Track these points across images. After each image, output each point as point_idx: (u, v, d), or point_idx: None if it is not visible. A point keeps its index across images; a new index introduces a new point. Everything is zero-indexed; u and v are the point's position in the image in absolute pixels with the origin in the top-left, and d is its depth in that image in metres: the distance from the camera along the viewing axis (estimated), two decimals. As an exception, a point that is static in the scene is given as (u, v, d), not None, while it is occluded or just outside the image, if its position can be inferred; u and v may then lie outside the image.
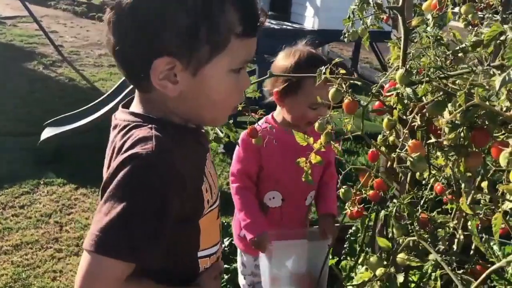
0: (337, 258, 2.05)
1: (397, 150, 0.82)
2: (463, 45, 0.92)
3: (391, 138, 1.12)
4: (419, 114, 0.81)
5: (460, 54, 0.88)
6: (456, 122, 0.73)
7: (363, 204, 1.26)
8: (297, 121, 1.83)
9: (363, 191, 1.23)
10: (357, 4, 1.49)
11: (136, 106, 0.96)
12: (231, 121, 1.46)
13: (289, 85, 1.78)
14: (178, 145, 0.88)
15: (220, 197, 1.05)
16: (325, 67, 1.03)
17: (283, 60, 1.87)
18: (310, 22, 4.97)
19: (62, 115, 4.47)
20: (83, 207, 3.54)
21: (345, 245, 2.07)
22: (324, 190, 1.94)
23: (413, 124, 0.83)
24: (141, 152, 0.81)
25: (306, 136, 1.19)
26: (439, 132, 0.87)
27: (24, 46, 7.66)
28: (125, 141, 0.86)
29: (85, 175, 3.80)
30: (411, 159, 0.77)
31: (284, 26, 5.04)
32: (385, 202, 1.04)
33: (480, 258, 1.02)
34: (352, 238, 2.05)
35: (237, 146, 1.83)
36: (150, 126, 0.88)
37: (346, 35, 1.49)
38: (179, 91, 0.89)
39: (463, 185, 0.80)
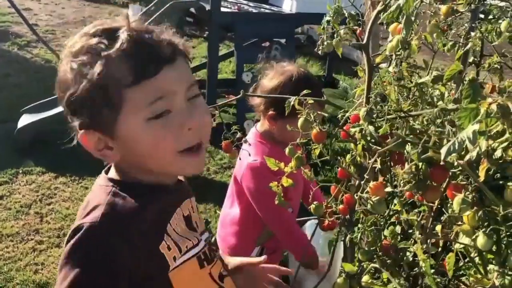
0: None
1: (359, 192, 0.87)
2: (425, 79, 0.96)
3: (358, 158, 1.16)
4: (380, 157, 0.85)
5: (421, 91, 0.92)
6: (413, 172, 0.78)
7: (335, 217, 1.31)
8: (286, 141, 1.84)
9: (334, 205, 1.28)
10: (332, 16, 1.51)
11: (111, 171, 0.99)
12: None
13: (282, 109, 1.76)
14: (135, 208, 0.89)
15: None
16: (294, 98, 1.06)
17: (271, 80, 1.87)
18: (288, 5, 4.95)
19: (40, 101, 4.41)
20: (64, 196, 3.55)
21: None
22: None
23: (374, 166, 0.87)
24: (86, 223, 0.85)
25: (276, 161, 1.22)
26: (398, 168, 0.92)
27: (-3, 24, 7.46)
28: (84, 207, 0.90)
29: (64, 163, 3.79)
30: (371, 202, 0.82)
31: (262, 10, 5.00)
32: (352, 224, 1.09)
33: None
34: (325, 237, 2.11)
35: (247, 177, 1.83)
36: (110, 190, 0.90)
37: (321, 47, 1.51)
38: (119, 155, 0.90)
39: (417, 233, 0.85)
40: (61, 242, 3.06)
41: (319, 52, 1.60)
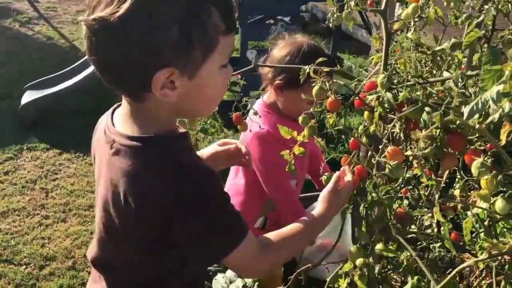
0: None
1: (377, 157, 0.87)
2: (444, 46, 0.95)
3: (371, 129, 1.16)
4: (398, 120, 0.85)
5: (439, 58, 0.91)
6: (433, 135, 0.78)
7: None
8: (291, 114, 1.84)
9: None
10: (342, -14, 1.49)
11: (133, 125, 0.99)
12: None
13: (292, 78, 1.71)
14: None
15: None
16: (309, 66, 1.05)
17: (282, 49, 1.86)
18: (293, -18, 4.89)
19: (42, 78, 4.40)
20: (68, 172, 3.56)
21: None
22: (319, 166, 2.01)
23: (392, 131, 0.87)
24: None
25: (289, 129, 1.22)
26: (417, 132, 0.91)
27: (-2, 1, 7.38)
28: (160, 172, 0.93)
29: (68, 140, 3.80)
30: (389, 167, 0.82)
31: (268, -14, 4.94)
32: (365, 194, 1.10)
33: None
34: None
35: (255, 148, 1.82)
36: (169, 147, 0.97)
37: (331, 20, 1.50)
38: (178, 96, 0.93)
39: (436, 196, 0.85)
40: (67, 217, 3.09)
41: (330, 25, 1.58)
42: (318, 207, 1.18)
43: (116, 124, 1.02)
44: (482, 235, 1.33)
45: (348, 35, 6.31)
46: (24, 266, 2.66)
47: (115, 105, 1.08)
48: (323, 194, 1.19)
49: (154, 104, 0.95)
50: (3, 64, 5.22)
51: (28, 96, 4.19)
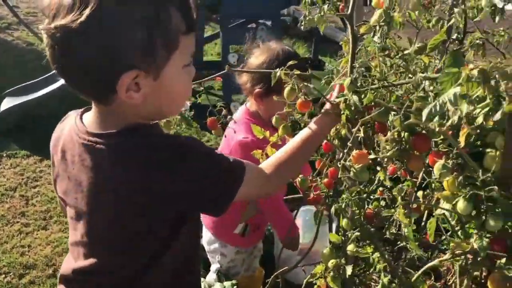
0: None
1: (341, 160, 0.88)
2: (409, 50, 0.97)
3: (343, 132, 1.18)
4: (363, 126, 0.86)
5: (403, 62, 0.93)
6: (396, 138, 0.79)
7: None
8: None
9: (319, 179, 1.30)
10: (315, -10, 1.51)
11: (102, 123, 1.00)
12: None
13: (270, 85, 1.77)
14: None
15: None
16: (280, 69, 1.06)
17: (258, 57, 1.88)
18: (274, -15, 4.91)
19: (23, 84, 4.35)
20: (49, 179, 3.52)
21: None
22: None
23: (357, 135, 0.89)
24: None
25: (262, 129, 1.24)
26: (380, 135, 0.93)
27: (-23, 7, 7.29)
28: (134, 156, 0.95)
29: (49, 146, 3.74)
30: (354, 170, 0.83)
31: (248, -11, 4.96)
32: (338, 193, 1.11)
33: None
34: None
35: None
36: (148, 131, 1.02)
37: (303, 22, 1.52)
38: (143, 97, 0.95)
39: (398, 198, 0.87)
40: (47, 225, 3.05)
41: (301, 28, 1.60)
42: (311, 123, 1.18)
43: (88, 126, 1.03)
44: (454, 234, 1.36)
45: (329, 38, 6.36)
46: (3, 276, 2.63)
47: (83, 109, 1.09)
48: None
49: (122, 107, 0.96)
50: (-18, 70, 5.15)
51: (7, 103, 4.15)
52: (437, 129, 0.72)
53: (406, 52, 0.97)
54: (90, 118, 1.05)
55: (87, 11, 0.84)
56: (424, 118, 0.66)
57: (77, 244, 1.09)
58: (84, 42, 0.86)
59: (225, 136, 1.82)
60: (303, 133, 1.15)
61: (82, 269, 1.09)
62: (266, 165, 1.14)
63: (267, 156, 1.26)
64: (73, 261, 1.12)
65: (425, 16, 1.62)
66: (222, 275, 2.08)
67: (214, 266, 2.15)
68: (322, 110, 1.12)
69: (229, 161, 1.04)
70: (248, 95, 1.97)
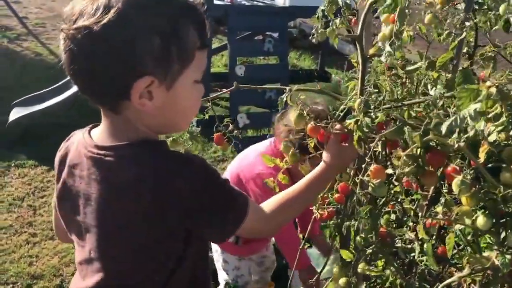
0: (309, 245, 2.15)
1: (360, 176, 0.88)
2: (417, 65, 0.97)
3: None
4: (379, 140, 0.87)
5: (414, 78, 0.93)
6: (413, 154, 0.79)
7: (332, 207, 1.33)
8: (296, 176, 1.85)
9: (329, 195, 1.30)
10: (326, 5, 1.52)
11: (114, 138, 1.00)
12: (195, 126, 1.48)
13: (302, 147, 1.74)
14: None
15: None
16: (286, 95, 1.07)
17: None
18: (281, -2, 4.96)
19: (31, 95, 4.38)
20: (56, 189, 3.53)
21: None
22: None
23: (375, 150, 0.89)
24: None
25: (272, 158, 1.24)
26: (399, 151, 0.93)
27: (-14, 18, 7.38)
28: (140, 171, 0.95)
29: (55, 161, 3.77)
30: (372, 185, 0.83)
31: (255, 3, 5.01)
32: (349, 212, 1.11)
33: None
34: (322, 224, 2.13)
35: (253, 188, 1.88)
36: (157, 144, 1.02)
37: (315, 35, 1.52)
38: (155, 107, 0.96)
39: (419, 213, 0.87)
40: (55, 235, 3.05)
41: (313, 40, 1.61)
42: (317, 167, 1.16)
43: (96, 140, 1.03)
44: (470, 249, 1.35)
45: (336, 51, 6.39)
46: (11, 286, 2.63)
47: (90, 125, 1.09)
48: (323, 155, 1.16)
49: (133, 115, 0.97)
50: (-10, 80, 5.20)
51: (15, 113, 4.18)
52: (456, 146, 0.72)
53: (413, 68, 0.97)
54: (98, 132, 1.06)
55: (109, 15, 0.86)
56: (443, 132, 0.66)
57: (85, 261, 1.07)
58: (103, 44, 0.88)
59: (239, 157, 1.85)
60: (315, 170, 1.14)
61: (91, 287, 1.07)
62: (269, 203, 1.12)
63: (279, 183, 1.26)
64: (81, 280, 1.10)
65: (436, 29, 1.62)
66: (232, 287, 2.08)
67: (222, 278, 2.15)
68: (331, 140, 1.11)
69: (233, 190, 1.04)
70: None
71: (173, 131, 1.19)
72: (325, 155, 1.12)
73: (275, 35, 5.06)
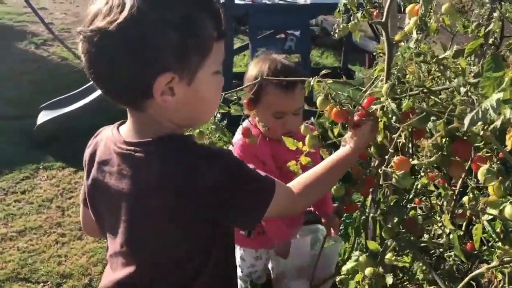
0: (333, 242, 2.13)
1: (383, 167, 0.87)
2: (446, 53, 0.96)
3: (379, 138, 1.17)
4: (404, 129, 0.85)
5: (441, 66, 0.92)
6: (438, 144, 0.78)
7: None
8: (267, 132, 1.85)
9: (355, 187, 1.29)
10: (348, -1, 1.51)
11: (140, 135, 1.02)
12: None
13: (254, 95, 1.79)
14: None
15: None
16: (313, 78, 1.06)
17: (251, 69, 1.90)
18: (302, -4, 4.93)
19: (58, 98, 4.47)
20: (84, 190, 3.60)
21: (340, 228, 2.14)
22: None
23: (398, 141, 0.88)
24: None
25: (294, 140, 1.24)
26: (423, 141, 0.92)
27: (14, 24, 7.55)
28: (165, 166, 0.96)
29: (83, 158, 3.82)
30: (396, 176, 0.82)
31: (277, 1, 4.99)
32: (376, 203, 1.10)
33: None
34: (347, 220, 2.11)
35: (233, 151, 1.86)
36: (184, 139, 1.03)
37: (337, 30, 1.51)
38: (176, 102, 0.96)
39: (445, 203, 0.85)
40: (83, 235, 3.11)
41: (335, 36, 1.60)
42: (340, 149, 1.17)
43: (125, 136, 1.05)
44: (499, 244, 1.31)
45: (359, 48, 6.31)
46: (42, 284, 2.68)
47: (118, 122, 1.11)
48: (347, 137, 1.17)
49: (157, 112, 0.98)
50: (19, 85, 5.33)
51: (43, 116, 4.26)
52: (481, 133, 0.71)
53: (442, 56, 0.95)
54: (126, 128, 1.07)
55: (124, 14, 0.86)
56: (466, 126, 0.65)
57: (116, 254, 1.10)
58: (120, 43, 0.88)
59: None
60: (339, 150, 1.15)
61: (122, 280, 1.09)
62: (296, 183, 1.14)
63: (301, 165, 1.26)
64: (112, 273, 1.13)
65: (461, 20, 1.59)
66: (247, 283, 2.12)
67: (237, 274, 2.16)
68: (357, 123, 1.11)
69: (260, 177, 1.04)
70: None
71: (197, 124, 1.21)
72: (349, 137, 1.13)
73: (297, 33, 5.04)
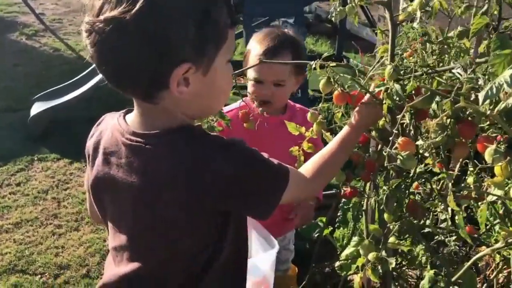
0: (331, 228, 2.12)
1: (387, 148, 0.86)
2: (451, 34, 0.94)
3: (381, 122, 1.15)
4: (407, 110, 0.84)
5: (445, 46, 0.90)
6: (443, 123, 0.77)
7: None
8: (253, 101, 1.85)
9: (355, 172, 1.28)
10: (344, -20, 1.48)
11: (148, 124, 0.98)
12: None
13: (244, 63, 1.87)
14: None
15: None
16: (315, 61, 1.04)
17: (251, 41, 1.92)
18: (296, -17, 4.89)
19: (51, 89, 4.43)
20: (79, 181, 3.58)
21: (338, 214, 2.13)
22: None
23: (402, 122, 0.86)
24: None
25: (297, 126, 1.22)
26: (428, 121, 0.90)
27: (4, 16, 7.46)
28: (181, 154, 0.94)
29: (78, 149, 3.75)
30: (401, 157, 0.81)
31: (270, -12, 4.95)
32: (377, 187, 1.09)
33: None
34: (345, 206, 2.10)
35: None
36: (194, 130, 1.00)
37: (334, 14, 1.48)
38: (191, 93, 0.94)
39: (449, 185, 0.84)
40: (79, 226, 3.09)
41: (332, 19, 1.57)
42: (345, 128, 1.17)
43: (133, 126, 1.00)
44: (497, 227, 1.31)
45: (353, 35, 6.29)
46: (39, 276, 2.67)
47: (124, 110, 1.07)
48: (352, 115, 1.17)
49: (170, 104, 0.95)
50: (11, 76, 5.27)
51: (37, 108, 4.22)
52: (488, 113, 0.69)
53: (447, 36, 0.94)
54: (133, 118, 1.02)
55: (140, 3, 0.82)
56: (481, 101, 0.64)
57: (121, 248, 1.07)
58: (136, 34, 0.84)
59: None
60: (343, 131, 1.14)
61: (126, 275, 1.05)
62: (307, 167, 1.14)
63: (304, 151, 1.24)
64: (116, 267, 1.09)
65: (457, 4, 1.57)
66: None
67: None
68: (361, 102, 1.10)
69: (274, 165, 1.02)
70: None
71: (209, 114, 1.20)
72: (354, 116, 1.12)
73: (291, 20, 5.00)
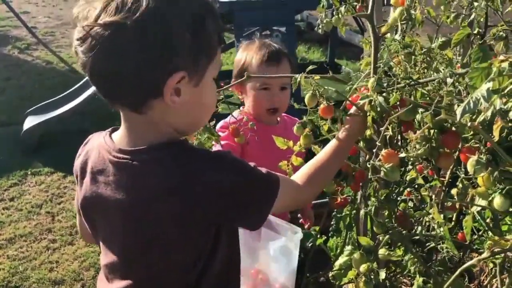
0: (325, 237, 2.12)
1: (371, 160, 0.86)
2: (433, 45, 0.95)
3: (368, 133, 1.16)
4: (391, 122, 0.85)
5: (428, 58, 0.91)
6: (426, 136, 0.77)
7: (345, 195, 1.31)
8: (257, 110, 1.86)
9: (345, 182, 1.29)
10: (332, -8, 1.49)
11: (135, 140, 0.98)
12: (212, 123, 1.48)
13: (237, 74, 1.86)
14: None
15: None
16: (301, 74, 1.05)
17: (238, 54, 1.95)
18: (286, -9, 4.91)
19: (44, 102, 4.42)
20: (73, 195, 3.56)
21: (332, 222, 2.13)
22: None
23: (385, 134, 0.87)
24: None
25: (285, 140, 1.23)
26: (410, 133, 0.91)
27: (-4, 29, 7.47)
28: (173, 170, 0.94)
29: (72, 162, 3.75)
30: (384, 169, 0.82)
31: (261, -3, 4.97)
32: (366, 198, 1.09)
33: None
34: (338, 215, 2.10)
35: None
36: (182, 145, 1.00)
37: (320, 26, 1.50)
38: (182, 103, 0.94)
39: (433, 196, 0.85)
40: (74, 240, 3.08)
41: (319, 31, 1.59)
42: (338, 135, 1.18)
43: (119, 144, 1.00)
44: (490, 233, 1.32)
45: (345, 42, 6.32)
46: (34, 292, 2.65)
47: (110, 129, 1.07)
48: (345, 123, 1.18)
49: (158, 114, 0.95)
50: (3, 90, 5.26)
51: (30, 121, 4.21)
52: (469, 124, 0.70)
53: (430, 47, 0.95)
54: (120, 135, 1.02)
55: (142, 9, 0.83)
56: (458, 117, 0.64)
57: (113, 265, 1.06)
58: (136, 39, 0.85)
59: None
60: (334, 141, 1.15)
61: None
62: (299, 175, 1.14)
63: (293, 166, 1.25)
64: (109, 284, 1.09)
65: (445, 12, 1.59)
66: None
67: None
68: (348, 114, 1.11)
69: (263, 174, 1.02)
70: None
71: (193, 130, 1.19)
72: (346, 124, 1.13)
73: (282, 29, 5.02)
